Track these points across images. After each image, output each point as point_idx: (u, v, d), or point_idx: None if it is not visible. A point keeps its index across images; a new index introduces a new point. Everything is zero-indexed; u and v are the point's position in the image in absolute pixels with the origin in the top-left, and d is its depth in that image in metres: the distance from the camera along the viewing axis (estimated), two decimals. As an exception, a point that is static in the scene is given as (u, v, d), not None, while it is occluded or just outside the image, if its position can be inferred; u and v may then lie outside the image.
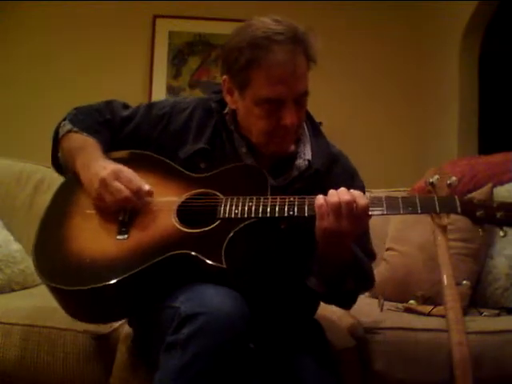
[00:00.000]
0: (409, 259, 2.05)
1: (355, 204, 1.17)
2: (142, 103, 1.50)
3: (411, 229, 2.12)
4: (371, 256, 1.46)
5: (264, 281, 1.32)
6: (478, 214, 1.18)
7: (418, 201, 1.20)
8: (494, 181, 2.05)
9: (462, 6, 3.50)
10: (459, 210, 1.19)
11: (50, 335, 1.50)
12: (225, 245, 1.19)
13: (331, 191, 1.20)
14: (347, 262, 1.28)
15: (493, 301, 1.92)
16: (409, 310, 1.80)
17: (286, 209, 1.23)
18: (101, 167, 1.29)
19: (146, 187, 1.29)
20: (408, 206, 1.20)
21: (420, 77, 4.00)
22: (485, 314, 1.80)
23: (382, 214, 1.22)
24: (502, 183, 2.07)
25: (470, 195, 1.20)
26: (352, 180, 1.45)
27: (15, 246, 2.02)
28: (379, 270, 2.13)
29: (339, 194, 1.19)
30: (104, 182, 1.26)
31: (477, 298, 1.94)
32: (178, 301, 1.15)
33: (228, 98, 1.38)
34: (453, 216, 1.36)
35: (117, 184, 1.26)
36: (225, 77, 1.36)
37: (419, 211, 1.20)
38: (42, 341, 1.51)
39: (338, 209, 1.17)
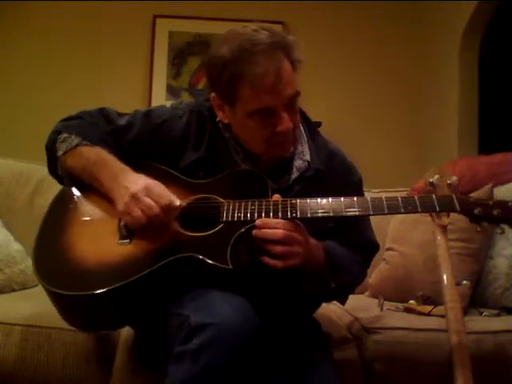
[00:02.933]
0: (409, 259, 2.05)
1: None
2: (138, 110, 1.47)
3: (411, 229, 2.12)
4: (362, 248, 1.46)
5: (266, 281, 1.32)
6: (475, 211, 1.21)
7: (417, 200, 1.23)
8: (493, 181, 2.05)
9: (462, 6, 3.50)
10: (458, 207, 1.22)
11: (49, 335, 1.50)
12: (230, 246, 1.20)
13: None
14: (320, 269, 1.32)
15: (493, 301, 1.92)
16: (409, 310, 1.80)
17: (288, 211, 1.24)
18: (131, 181, 1.27)
19: (177, 202, 1.27)
20: (408, 205, 1.23)
21: (420, 77, 4.00)
22: (485, 313, 1.80)
23: (383, 214, 1.25)
24: (502, 183, 2.07)
25: (470, 195, 1.22)
26: (350, 174, 1.48)
27: (15, 246, 2.02)
28: (379, 270, 2.13)
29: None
30: (135, 197, 1.24)
31: (477, 298, 1.94)
32: (187, 309, 1.15)
33: (220, 114, 1.37)
34: (453, 216, 1.37)
35: (148, 201, 1.24)
36: (213, 94, 1.34)
37: (419, 210, 1.23)
38: (41, 341, 1.51)
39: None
